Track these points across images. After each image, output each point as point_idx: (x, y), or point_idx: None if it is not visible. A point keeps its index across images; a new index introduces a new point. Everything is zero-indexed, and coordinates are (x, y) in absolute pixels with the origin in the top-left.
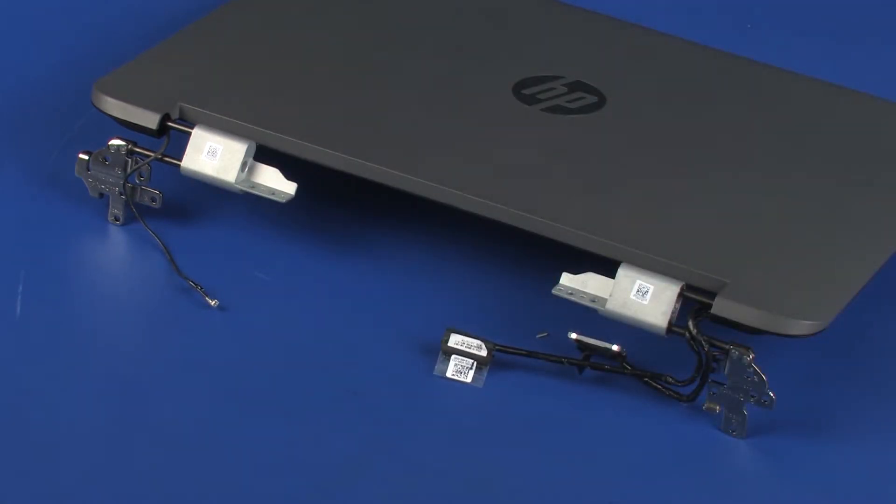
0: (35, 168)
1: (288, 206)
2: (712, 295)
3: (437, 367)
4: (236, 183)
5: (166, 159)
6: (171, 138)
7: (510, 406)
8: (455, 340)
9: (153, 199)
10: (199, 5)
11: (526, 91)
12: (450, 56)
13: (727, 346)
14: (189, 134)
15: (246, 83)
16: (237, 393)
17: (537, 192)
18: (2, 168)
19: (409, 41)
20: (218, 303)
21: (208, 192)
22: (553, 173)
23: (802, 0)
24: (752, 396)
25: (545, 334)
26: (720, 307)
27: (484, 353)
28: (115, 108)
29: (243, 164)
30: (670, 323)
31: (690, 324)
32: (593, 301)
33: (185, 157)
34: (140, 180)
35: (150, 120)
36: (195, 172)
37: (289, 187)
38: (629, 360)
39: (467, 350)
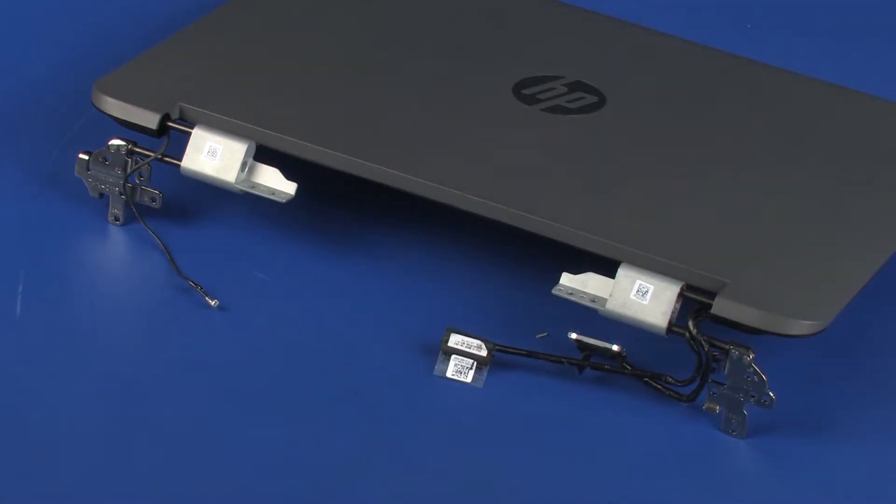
0: (35, 168)
1: (288, 206)
2: (712, 295)
3: (437, 367)
4: (236, 183)
5: (166, 159)
6: (171, 138)
7: (510, 406)
8: (455, 340)
9: (153, 199)
10: (199, 5)
11: (526, 91)
12: (450, 56)
13: (727, 346)
14: (189, 134)
15: (246, 83)
16: (237, 393)
17: (537, 192)
18: (2, 168)
19: (409, 41)
20: (218, 303)
21: (208, 192)
22: (553, 173)
23: (802, 0)
24: (752, 396)
25: (545, 334)
26: (720, 307)
27: (484, 353)
28: (115, 108)
29: (243, 164)
30: (670, 323)
31: (690, 324)
32: (593, 301)
33: (185, 157)
34: (140, 180)
35: (150, 120)
36: (195, 172)
37: (289, 187)
38: (629, 360)
39: (467, 350)
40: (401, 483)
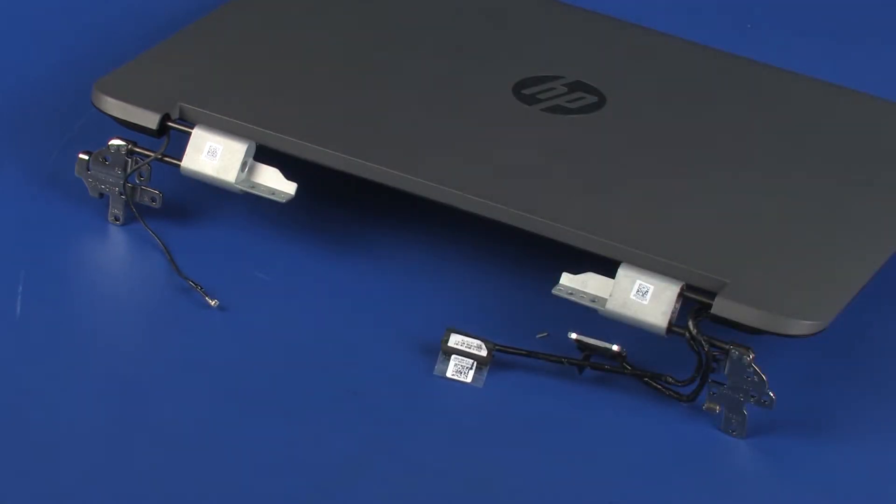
0: (35, 168)
1: (288, 206)
2: (712, 295)
3: (437, 367)
4: (236, 183)
5: (166, 159)
6: (171, 138)
7: (510, 406)
8: (455, 340)
9: (153, 199)
10: (199, 5)
11: (526, 91)
12: (450, 56)
13: (727, 346)
14: (189, 134)
15: (246, 83)
16: (237, 393)
17: (537, 192)
18: (2, 168)
19: (409, 41)
20: (218, 303)
21: (208, 192)
22: (553, 173)
23: (802, 0)
24: (752, 396)
25: (545, 334)
26: (720, 307)
27: (484, 353)
28: (115, 108)
29: (243, 164)
30: (670, 323)
31: (690, 324)
32: (593, 301)
33: (185, 157)
34: (140, 180)
35: (150, 120)
36: (195, 172)
37: (289, 187)
38: (629, 360)
39: (467, 350)
40: (401, 483)
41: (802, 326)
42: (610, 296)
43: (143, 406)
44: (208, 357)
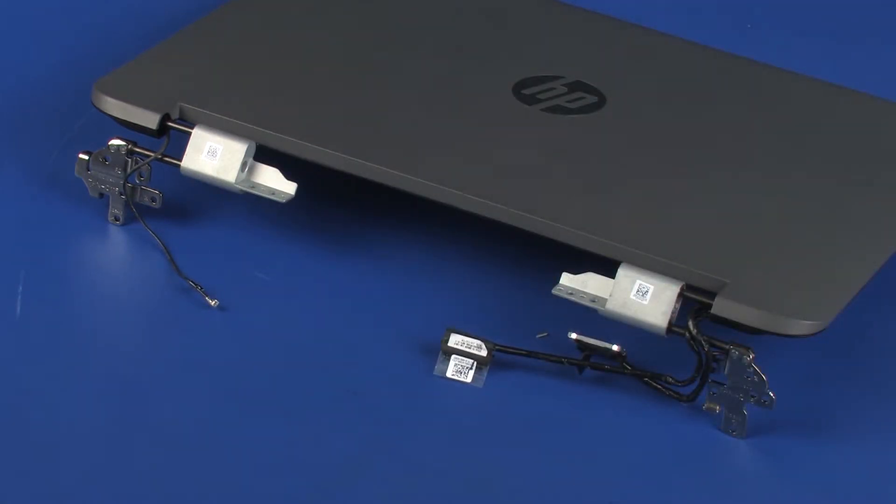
0: (35, 168)
1: (288, 206)
2: (712, 295)
3: (437, 367)
4: (236, 183)
5: (166, 159)
6: (171, 138)
7: (510, 406)
8: (455, 340)
9: (153, 199)
10: (199, 5)
11: (526, 91)
12: (450, 56)
13: (727, 346)
14: (189, 134)
15: (246, 83)
16: (237, 393)
17: (537, 192)
18: (2, 168)
19: (409, 41)
20: (218, 303)
21: (208, 192)
22: (553, 173)
23: (802, 0)
24: (752, 396)
25: (545, 334)
26: (720, 307)
27: (484, 353)
28: (115, 108)
29: (243, 164)
30: (670, 323)
31: (690, 324)
32: (593, 301)
33: (185, 157)
34: (140, 180)
35: (150, 120)
36: (195, 172)
37: (289, 187)
38: (629, 360)
39: (467, 350)
40: (401, 483)
41: (802, 326)
42: (610, 296)
43: (143, 406)
44: (208, 357)
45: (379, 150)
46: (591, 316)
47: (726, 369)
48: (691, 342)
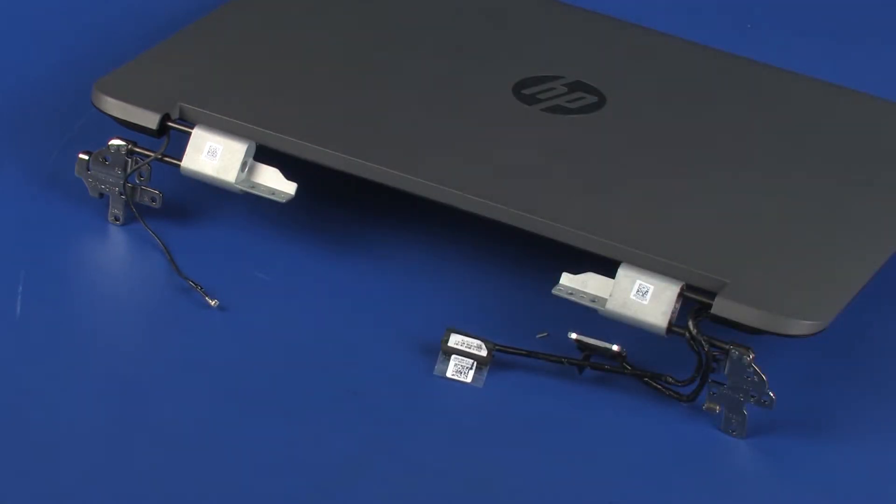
0: (35, 168)
1: (288, 206)
2: (712, 295)
3: (437, 367)
4: (236, 183)
5: (166, 159)
6: (171, 138)
7: (510, 406)
8: (455, 340)
9: (153, 199)
10: (199, 5)
11: (526, 91)
12: (450, 56)
13: (727, 346)
14: (189, 134)
15: (246, 83)
16: (237, 393)
17: (537, 192)
18: (2, 168)
19: (409, 41)
20: (218, 303)
21: (208, 192)
22: (553, 173)
23: (802, 0)
24: (752, 396)
25: (545, 334)
26: (720, 307)
27: (484, 353)
28: (115, 108)
29: (243, 164)
30: (670, 323)
31: (690, 324)
32: (593, 301)
33: (185, 157)
34: (140, 180)
35: (150, 120)
36: (195, 172)
37: (289, 187)
38: (629, 360)
39: (467, 350)
40: (401, 483)
41: (802, 326)
42: (610, 296)
43: (143, 406)
44: (208, 357)
45: (379, 150)
46: (591, 316)
47: (726, 369)
48: (691, 342)
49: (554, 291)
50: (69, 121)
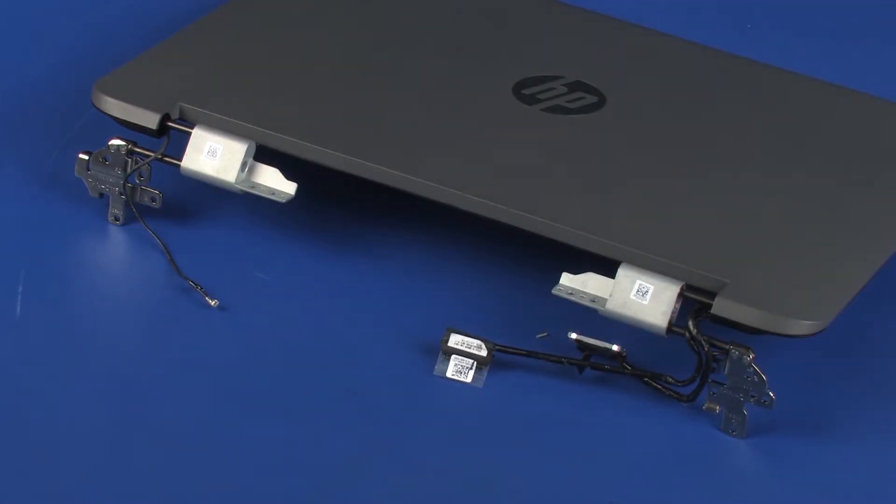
0: (35, 168)
1: (288, 206)
2: (712, 295)
3: (437, 367)
4: (236, 183)
5: (166, 159)
6: (171, 138)
7: (510, 406)
8: (455, 340)
9: (153, 199)
10: (199, 5)
11: (526, 91)
12: (450, 56)
13: (727, 346)
14: (189, 134)
15: (246, 83)
16: (237, 393)
17: (537, 192)
18: (2, 168)
19: (409, 41)
20: (218, 303)
21: (208, 192)
22: (553, 173)
23: (802, 0)
24: (752, 396)
25: (545, 334)
26: (720, 307)
27: (484, 353)
28: (115, 108)
29: (243, 164)
30: (670, 323)
31: (690, 324)
32: (593, 301)
33: (185, 157)
34: (140, 180)
35: (150, 120)
36: (195, 172)
37: (289, 187)
38: (629, 360)
39: (467, 350)
40: (401, 483)
41: (802, 326)
42: (610, 296)
43: (143, 406)
44: (208, 357)
45: (379, 150)
46: (591, 316)
47: (726, 369)
48: (691, 342)
49: (554, 291)
50: (69, 121)
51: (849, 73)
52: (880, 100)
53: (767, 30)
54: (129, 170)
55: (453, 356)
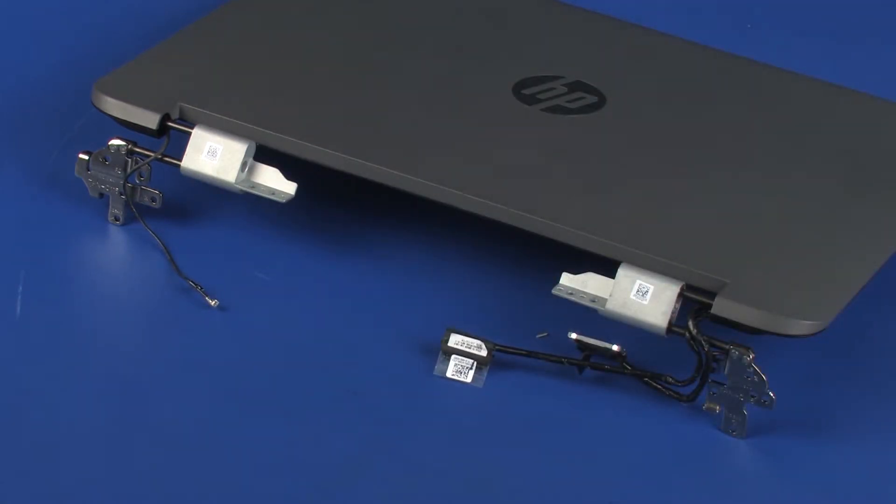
0: (35, 168)
1: (288, 206)
2: (712, 295)
3: (437, 367)
4: (236, 183)
5: (166, 159)
6: (171, 138)
7: (510, 406)
8: (455, 340)
9: (153, 199)
10: (199, 5)
11: (526, 91)
12: (450, 56)
13: (727, 346)
14: (189, 134)
15: (246, 83)
16: (237, 393)
17: (537, 192)
18: (2, 168)
19: (409, 41)
20: (218, 303)
21: (208, 192)
22: (553, 173)
23: (802, 0)
24: (752, 396)
25: (545, 334)
26: (720, 307)
27: (484, 353)
28: (115, 108)
29: (243, 164)
30: (670, 323)
31: (690, 324)
32: (593, 301)
33: (185, 157)
34: (140, 180)
35: (150, 120)
36: (195, 172)
37: (289, 187)
38: (629, 360)
39: (467, 350)
40: (401, 483)
41: (802, 326)
42: (610, 296)
43: (143, 406)
44: (208, 357)
45: (379, 150)
46: (591, 316)
47: (726, 369)
48: (691, 342)
49: (554, 291)
50: (69, 121)
51: (849, 73)
52: (880, 100)
53: (767, 30)
54: (129, 170)
55: (453, 356)
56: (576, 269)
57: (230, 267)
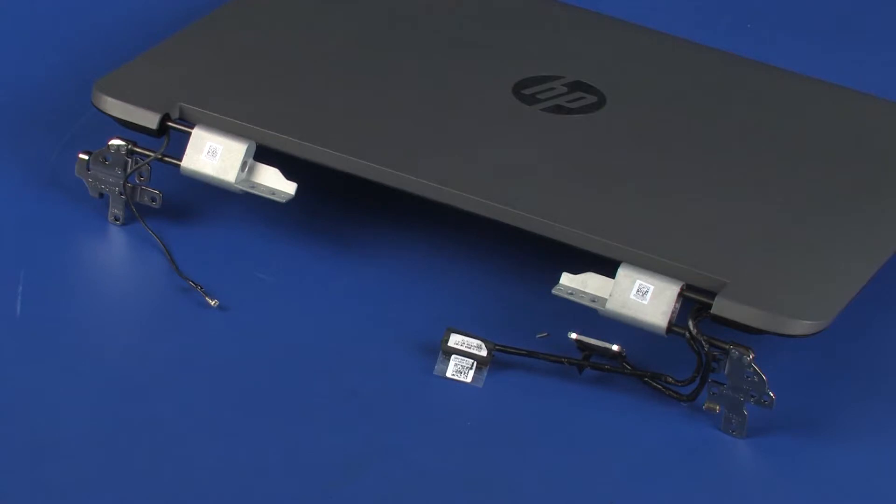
0: (35, 168)
1: (288, 206)
2: (712, 295)
3: (437, 367)
4: (236, 183)
5: (166, 159)
6: (171, 138)
7: (510, 406)
8: (455, 340)
9: (153, 199)
10: (199, 5)
11: (526, 91)
12: (450, 56)
13: (727, 346)
14: (189, 134)
15: (246, 83)
16: (237, 393)
17: (537, 192)
18: (2, 168)
19: (409, 41)
20: (218, 303)
21: (208, 192)
22: (553, 173)
23: (802, 0)
24: (752, 396)
25: (545, 334)
26: (720, 307)
27: (484, 353)
28: (115, 108)
29: (243, 164)
30: (670, 323)
31: (690, 324)
32: (593, 301)
33: (185, 157)
34: (140, 180)
35: (150, 120)
36: (195, 172)
37: (289, 187)
38: (629, 360)
39: (467, 350)
40: (401, 483)
41: (802, 326)
42: (610, 296)
43: (143, 406)
44: (208, 357)
45: (379, 150)
46: (591, 316)
47: (726, 369)
48: (691, 342)
49: (554, 291)
50: (69, 121)
51: (849, 73)
52: (880, 100)
53: (767, 30)
54: (129, 170)
55: (453, 356)
56: (576, 269)
57: (230, 267)
